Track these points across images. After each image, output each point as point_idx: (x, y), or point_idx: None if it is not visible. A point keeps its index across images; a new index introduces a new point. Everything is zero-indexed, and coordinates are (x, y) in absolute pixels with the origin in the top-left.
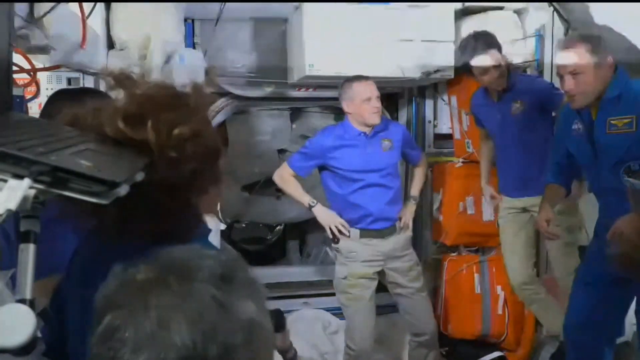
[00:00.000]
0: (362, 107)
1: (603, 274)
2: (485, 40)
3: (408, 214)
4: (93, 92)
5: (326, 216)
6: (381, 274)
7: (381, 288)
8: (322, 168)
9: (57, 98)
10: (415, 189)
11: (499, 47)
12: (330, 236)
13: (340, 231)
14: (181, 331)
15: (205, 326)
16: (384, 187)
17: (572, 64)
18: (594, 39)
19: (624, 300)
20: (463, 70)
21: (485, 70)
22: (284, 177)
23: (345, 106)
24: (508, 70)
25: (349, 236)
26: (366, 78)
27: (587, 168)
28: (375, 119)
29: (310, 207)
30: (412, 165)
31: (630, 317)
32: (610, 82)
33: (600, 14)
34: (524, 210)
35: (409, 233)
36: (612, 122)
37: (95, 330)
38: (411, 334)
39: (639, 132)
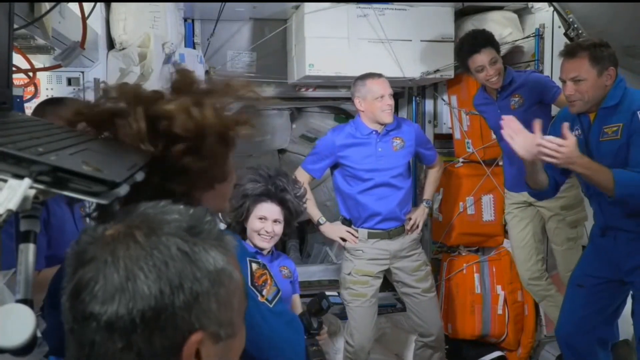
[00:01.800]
0: (375, 104)
1: (596, 277)
2: (482, 38)
3: (419, 216)
4: (72, 103)
5: (333, 231)
6: (388, 272)
7: (382, 287)
8: (333, 167)
9: (38, 109)
10: (428, 192)
11: (496, 46)
12: (342, 243)
13: (349, 235)
14: (148, 281)
15: (171, 275)
16: (394, 187)
17: (573, 71)
18: (597, 47)
19: (616, 304)
20: (463, 69)
21: (481, 67)
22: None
23: (358, 104)
24: (505, 69)
25: (357, 238)
26: (379, 75)
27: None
28: (388, 118)
29: (319, 224)
30: (426, 166)
31: (628, 316)
32: (609, 91)
33: None
34: (529, 204)
35: (417, 233)
36: (604, 130)
37: (66, 287)
38: (417, 334)
39: (623, 140)
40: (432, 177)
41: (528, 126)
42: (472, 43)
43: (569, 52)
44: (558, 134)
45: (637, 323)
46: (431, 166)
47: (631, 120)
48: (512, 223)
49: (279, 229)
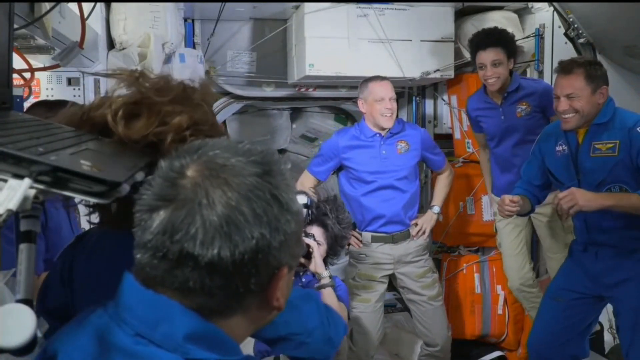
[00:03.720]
0: (375, 106)
1: (573, 292)
2: (494, 37)
3: (426, 222)
4: (70, 105)
5: None
6: (394, 277)
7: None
8: (339, 170)
9: (33, 108)
10: (436, 198)
11: (508, 48)
12: (346, 247)
13: (353, 239)
14: (250, 225)
15: (270, 219)
16: (398, 190)
17: (569, 87)
18: (591, 65)
19: (590, 320)
20: (473, 64)
21: (482, 65)
22: (305, 186)
23: (360, 105)
24: (511, 73)
25: (362, 243)
26: (383, 78)
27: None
28: (387, 122)
29: None
30: (435, 172)
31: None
32: (601, 109)
33: None
34: None
35: (424, 239)
36: (596, 146)
37: (145, 226)
38: (423, 342)
39: (620, 156)
40: (442, 183)
41: (530, 133)
42: (481, 39)
43: (564, 69)
44: (545, 146)
45: (622, 338)
46: (440, 172)
47: (630, 138)
48: (505, 231)
49: (321, 250)
